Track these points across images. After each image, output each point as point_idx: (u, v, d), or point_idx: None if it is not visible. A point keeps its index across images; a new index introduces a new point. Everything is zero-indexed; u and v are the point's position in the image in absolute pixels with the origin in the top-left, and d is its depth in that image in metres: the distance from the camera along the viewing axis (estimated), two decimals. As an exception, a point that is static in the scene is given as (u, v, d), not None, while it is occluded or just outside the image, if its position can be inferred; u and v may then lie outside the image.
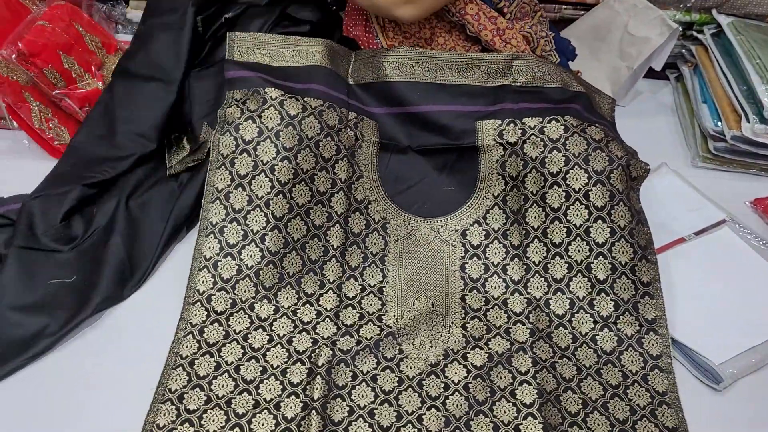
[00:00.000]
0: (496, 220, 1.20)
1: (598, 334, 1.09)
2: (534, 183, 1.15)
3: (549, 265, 1.14)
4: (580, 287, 1.12)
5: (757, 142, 1.34)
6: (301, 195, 1.14)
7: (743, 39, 1.42)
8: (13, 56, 1.25)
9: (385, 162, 1.23)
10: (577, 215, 1.12)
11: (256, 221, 1.12)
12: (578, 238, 1.12)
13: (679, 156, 1.46)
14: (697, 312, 1.13)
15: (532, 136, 1.16)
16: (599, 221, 1.11)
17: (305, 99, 1.16)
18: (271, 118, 1.13)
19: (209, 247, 1.12)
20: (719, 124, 1.40)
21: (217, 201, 1.13)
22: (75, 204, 1.18)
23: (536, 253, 1.15)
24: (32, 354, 1.02)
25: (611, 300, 1.10)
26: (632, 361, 1.06)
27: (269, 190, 1.12)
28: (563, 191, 1.13)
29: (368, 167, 1.21)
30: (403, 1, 1.15)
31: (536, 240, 1.15)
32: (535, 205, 1.16)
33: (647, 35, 1.43)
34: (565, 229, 1.13)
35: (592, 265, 1.11)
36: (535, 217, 1.16)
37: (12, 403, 0.98)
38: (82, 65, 1.36)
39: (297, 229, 1.14)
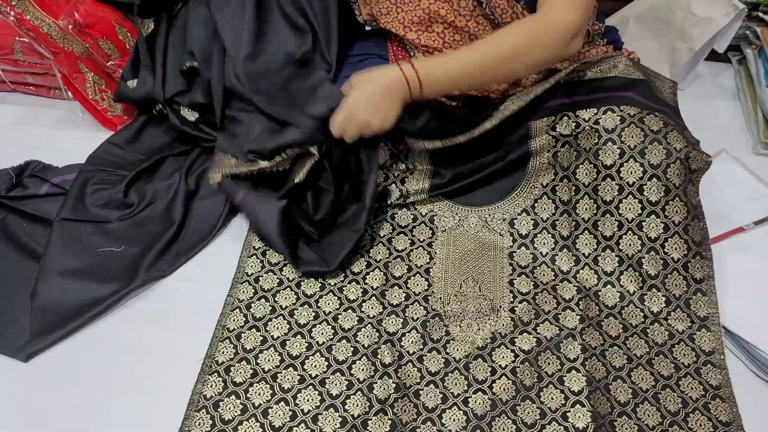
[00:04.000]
0: (544, 209, 1.17)
1: (648, 327, 1.06)
2: (586, 175, 1.12)
3: (599, 258, 1.11)
4: (630, 281, 1.09)
5: (824, 130, 1.28)
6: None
7: (814, 20, 1.36)
8: (70, 27, 1.27)
9: (437, 154, 1.19)
10: (630, 209, 1.08)
11: None
12: (630, 232, 1.08)
13: (740, 142, 1.41)
14: (755, 304, 1.09)
15: (587, 128, 1.11)
16: (652, 216, 1.07)
17: None
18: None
19: (258, 239, 1.16)
20: (784, 109, 1.34)
21: None
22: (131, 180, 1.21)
23: (586, 245, 1.13)
24: (86, 319, 1.05)
25: (662, 296, 1.07)
26: (684, 355, 1.03)
27: None
28: (616, 184, 1.09)
29: (421, 159, 1.20)
30: (571, 37, 1.02)
31: (586, 232, 1.13)
32: (586, 196, 1.13)
33: (711, 15, 1.37)
34: (617, 223, 1.10)
35: (643, 260, 1.08)
36: (586, 209, 1.13)
37: (65, 367, 1.00)
38: (136, 37, 1.36)
39: None
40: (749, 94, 1.47)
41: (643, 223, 1.07)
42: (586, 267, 1.12)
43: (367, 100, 1.01)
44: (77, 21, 1.27)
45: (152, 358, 1.02)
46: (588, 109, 1.12)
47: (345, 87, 1.07)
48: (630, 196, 1.08)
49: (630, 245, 1.08)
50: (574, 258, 1.13)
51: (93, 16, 1.30)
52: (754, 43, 1.51)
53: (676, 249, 1.06)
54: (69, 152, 1.30)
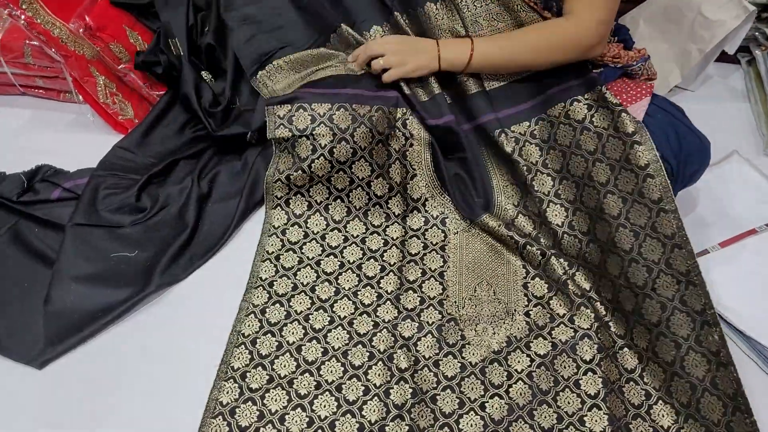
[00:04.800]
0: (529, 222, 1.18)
1: (642, 307, 1.02)
2: (542, 185, 1.15)
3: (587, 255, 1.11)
4: (614, 267, 1.06)
5: (836, 132, 1.28)
6: (359, 199, 1.21)
7: (824, 22, 1.36)
8: (81, 30, 1.27)
9: (439, 156, 1.21)
10: (613, 206, 1.07)
11: (316, 224, 1.20)
12: (620, 227, 1.07)
13: (751, 144, 1.41)
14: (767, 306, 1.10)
15: (526, 144, 1.16)
16: (621, 228, 1.06)
17: (354, 106, 1.17)
18: (323, 135, 1.16)
19: (272, 244, 1.17)
20: (795, 111, 1.34)
21: (278, 207, 1.21)
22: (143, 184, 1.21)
23: (582, 224, 1.12)
24: (100, 325, 1.05)
25: (643, 266, 1.03)
26: (680, 325, 0.98)
27: (327, 196, 1.21)
28: (573, 183, 1.12)
29: (421, 165, 1.21)
30: (597, 42, 1.13)
31: (565, 235, 1.13)
32: (551, 204, 1.14)
33: (722, 17, 1.37)
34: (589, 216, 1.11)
35: (615, 238, 1.05)
36: (556, 215, 1.14)
37: (80, 373, 1.00)
38: (146, 40, 1.37)
39: (356, 228, 1.20)
40: (759, 96, 1.47)
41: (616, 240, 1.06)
42: (580, 268, 1.11)
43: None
44: (88, 24, 1.27)
45: (167, 364, 1.01)
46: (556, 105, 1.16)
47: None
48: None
49: (614, 265, 1.06)
50: (578, 241, 1.12)
51: (104, 19, 1.30)
52: (763, 45, 1.51)
53: (653, 251, 1.03)
54: (80, 156, 1.29)
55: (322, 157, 1.16)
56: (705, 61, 1.45)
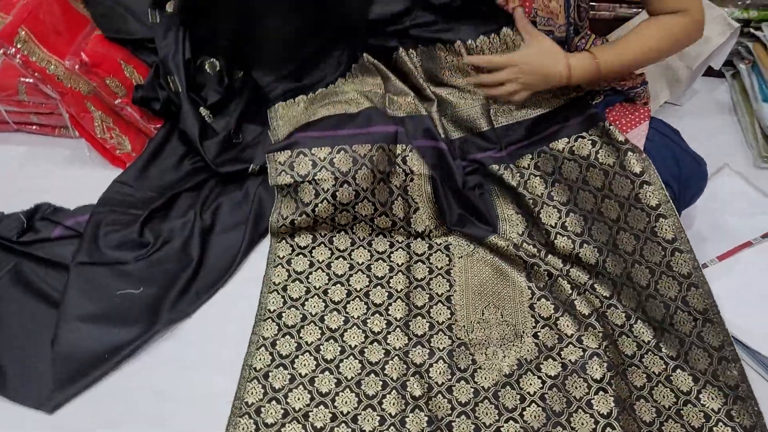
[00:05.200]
0: (550, 217, 1.20)
1: (661, 341, 1.07)
2: (548, 217, 1.18)
3: (601, 275, 1.14)
4: (630, 299, 1.11)
5: (824, 143, 1.32)
6: (362, 230, 1.23)
7: (806, 36, 1.39)
8: (77, 67, 1.26)
9: (439, 189, 1.23)
10: (602, 233, 1.14)
11: (321, 253, 1.21)
12: (610, 254, 1.13)
13: (741, 157, 1.44)
14: (766, 316, 1.12)
15: (531, 176, 1.20)
16: (622, 232, 1.12)
17: (353, 148, 1.18)
18: (325, 180, 1.17)
19: (278, 275, 1.18)
20: (782, 124, 1.37)
21: (283, 240, 1.22)
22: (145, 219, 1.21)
23: (590, 256, 1.15)
24: (110, 365, 1.04)
25: (660, 302, 1.07)
26: (698, 359, 1.04)
27: (331, 230, 1.24)
28: (581, 216, 1.17)
29: (422, 198, 1.22)
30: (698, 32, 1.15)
31: (585, 245, 1.15)
32: (558, 236, 1.17)
33: (708, 34, 1.40)
34: (597, 250, 1.15)
35: (631, 273, 1.10)
36: (564, 246, 1.16)
37: (91, 415, 0.99)
38: (142, 73, 1.36)
39: (360, 256, 1.21)
40: (745, 109, 1.51)
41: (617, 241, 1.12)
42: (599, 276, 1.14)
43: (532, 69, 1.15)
44: (84, 61, 1.26)
45: (180, 402, 1.01)
46: (560, 140, 1.19)
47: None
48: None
49: (615, 264, 1.12)
50: (585, 272, 1.15)
51: (99, 54, 1.29)
52: (747, 58, 1.55)
53: (654, 254, 1.08)
54: (79, 192, 1.28)
55: (325, 201, 1.17)
56: (693, 77, 1.48)
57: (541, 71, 1.14)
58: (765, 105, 1.43)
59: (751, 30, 1.53)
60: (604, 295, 1.12)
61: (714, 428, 0.98)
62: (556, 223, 1.17)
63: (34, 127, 1.43)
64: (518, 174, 1.20)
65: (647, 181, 1.08)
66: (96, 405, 1.00)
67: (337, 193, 1.17)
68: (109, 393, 1.02)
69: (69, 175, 1.35)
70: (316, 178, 1.17)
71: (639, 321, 1.09)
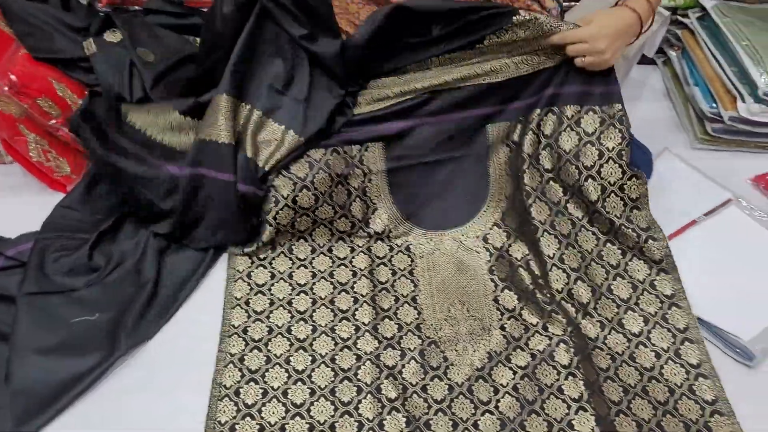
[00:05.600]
0: (513, 219, 1.21)
1: (623, 317, 1.10)
2: (531, 179, 1.19)
3: (564, 256, 1.16)
4: (596, 275, 1.14)
5: (755, 121, 1.37)
6: (321, 236, 1.22)
7: (729, 21, 1.45)
8: (6, 89, 1.20)
9: (397, 186, 1.23)
10: (577, 208, 1.16)
11: (281, 264, 1.19)
12: (583, 229, 1.15)
13: (678, 139, 1.49)
14: (719, 291, 1.16)
15: (530, 132, 1.19)
16: (596, 214, 1.15)
17: (308, 153, 1.17)
18: (283, 186, 1.15)
19: (239, 289, 1.15)
20: (714, 105, 1.43)
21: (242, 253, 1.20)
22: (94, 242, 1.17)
23: (548, 246, 1.17)
24: (71, 396, 0.99)
25: (628, 282, 1.12)
26: (662, 338, 1.08)
27: (290, 238, 1.22)
28: (560, 186, 1.17)
29: (381, 198, 1.22)
30: None
31: (546, 233, 1.17)
32: (537, 200, 1.18)
33: (640, 23, 1.45)
34: (570, 222, 1.17)
35: (602, 252, 1.14)
36: (540, 212, 1.18)
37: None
38: (75, 92, 1.31)
39: (322, 263, 1.19)
40: (678, 93, 1.57)
41: (593, 219, 1.15)
42: (554, 267, 1.15)
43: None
44: (13, 82, 1.20)
45: (150, 429, 0.97)
46: (535, 110, 1.19)
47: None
48: (574, 196, 1.15)
49: (586, 241, 1.15)
50: (542, 262, 1.17)
51: (29, 75, 1.23)
52: (676, 45, 1.61)
53: (627, 238, 1.14)
54: (17, 220, 1.22)
55: (286, 207, 1.15)
56: (628, 66, 1.52)
57: (612, 25, 1.12)
58: (696, 89, 1.49)
59: (679, 17, 1.59)
60: (558, 288, 1.14)
61: (678, 401, 1.01)
62: (535, 187, 1.19)
63: (-37, 155, 1.36)
64: (521, 127, 1.21)
65: (653, 237, 1.14)
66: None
67: (297, 198, 1.15)
68: (72, 426, 0.97)
69: (5, 203, 1.28)
70: (274, 184, 1.15)
71: (603, 297, 1.12)
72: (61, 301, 1.10)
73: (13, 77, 1.21)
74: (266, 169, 1.15)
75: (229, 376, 1.03)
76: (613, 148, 1.15)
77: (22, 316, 1.06)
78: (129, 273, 1.14)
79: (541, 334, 1.09)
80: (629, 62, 1.49)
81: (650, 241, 1.13)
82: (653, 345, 1.07)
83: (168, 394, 1.01)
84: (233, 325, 1.10)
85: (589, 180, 1.14)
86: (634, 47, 1.45)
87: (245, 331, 1.09)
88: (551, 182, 1.17)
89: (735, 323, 1.10)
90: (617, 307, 1.11)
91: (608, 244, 1.14)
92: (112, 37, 1.34)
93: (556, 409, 1.00)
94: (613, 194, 1.14)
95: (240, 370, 1.04)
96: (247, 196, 1.14)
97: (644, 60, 1.62)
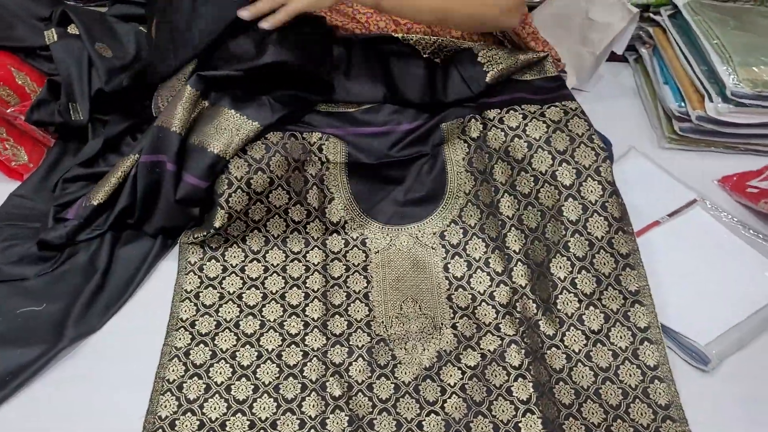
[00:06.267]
0: (471, 216, 1.20)
1: (584, 314, 1.08)
2: (502, 173, 1.16)
3: (529, 251, 1.14)
4: (560, 268, 1.11)
5: (722, 121, 1.36)
6: (276, 227, 1.18)
7: (700, 20, 1.44)
8: (-39, 76, 1.19)
9: (356, 179, 1.22)
10: (548, 197, 1.12)
11: (234, 256, 1.17)
12: (552, 219, 1.12)
13: (645, 138, 1.48)
14: (678, 293, 1.14)
15: (493, 128, 1.17)
16: (570, 199, 1.11)
17: (266, 136, 1.15)
18: (238, 168, 1.13)
19: (190, 282, 1.14)
20: (683, 104, 1.41)
21: (193, 243, 1.18)
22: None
23: (515, 241, 1.15)
24: (11, 389, 0.98)
25: (593, 276, 1.10)
26: (621, 337, 1.06)
27: (244, 228, 1.17)
28: (531, 176, 1.13)
29: (338, 188, 1.20)
30: (515, 6, 1.15)
31: (513, 228, 1.15)
32: (506, 194, 1.16)
33: (608, 20, 1.44)
34: (539, 213, 1.13)
35: (569, 243, 1.11)
36: (509, 206, 1.16)
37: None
38: (35, 80, 1.29)
39: (275, 257, 1.17)
40: (648, 92, 1.55)
41: (563, 208, 1.11)
42: (519, 263, 1.14)
43: None
44: (-32, 69, 1.19)
45: (90, 420, 0.96)
46: (493, 110, 1.19)
47: None
48: (546, 184, 1.12)
49: (555, 232, 1.12)
50: (506, 257, 1.15)
51: (-15, 62, 1.22)
52: (648, 42, 1.59)
53: (597, 227, 1.10)
54: (-29, 209, 1.21)
55: (239, 190, 1.13)
56: (597, 63, 1.51)
57: None
58: (666, 87, 1.48)
59: (651, 15, 1.58)
60: (521, 284, 1.13)
61: (631, 404, 1.00)
62: (505, 181, 1.16)
63: None
64: (481, 125, 1.19)
65: (631, 265, 1.10)
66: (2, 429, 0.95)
67: (251, 181, 1.12)
68: (12, 417, 0.96)
69: (-39, 192, 1.27)
70: (228, 166, 1.13)
71: (565, 292, 1.10)
72: (8, 292, 1.08)
73: (-32, 64, 1.20)
74: (225, 157, 1.12)
75: (173, 370, 1.02)
76: (582, 133, 1.14)
77: (-32, 306, 1.05)
78: (81, 264, 1.13)
79: (493, 334, 1.08)
80: (597, 59, 1.48)
81: (620, 232, 1.10)
82: (612, 344, 1.06)
83: (110, 387, 1.00)
84: (181, 319, 1.08)
85: (563, 164, 1.12)
86: (603, 44, 1.44)
87: (193, 324, 1.08)
88: (522, 173, 1.14)
89: (692, 327, 1.09)
90: (579, 303, 1.10)
91: (576, 235, 1.11)
92: (74, 30, 1.32)
93: (503, 411, 0.99)
94: (590, 178, 1.11)
95: (185, 364, 1.03)
96: (191, 188, 1.13)
97: (616, 57, 1.60)
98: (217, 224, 1.13)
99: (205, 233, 1.15)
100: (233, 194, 1.12)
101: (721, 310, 1.12)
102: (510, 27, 1.22)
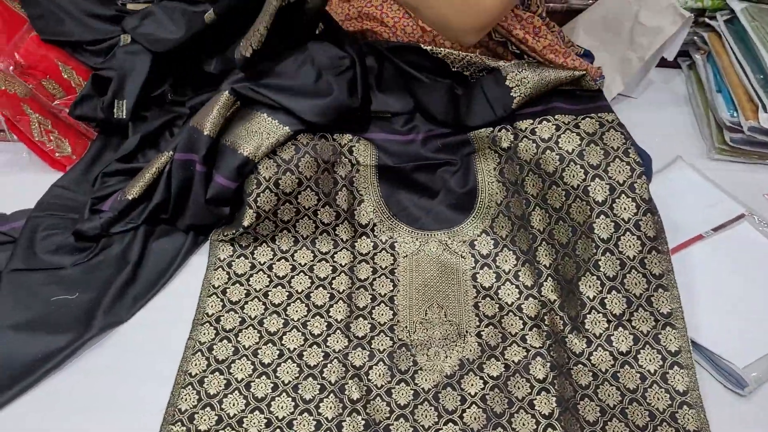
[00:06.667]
0: (502, 227, 1.17)
1: (612, 334, 1.05)
2: (533, 185, 1.13)
3: (559, 267, 1.11)
4: (589, 287, 1.07)
5: (776, 133, 1.30)
6: (305, 228, 1.19)
7: (758, 26, 1.37)
8: (11, 68, 1.23)
9: (386, 182, 1.21)
10: (580, 213, 1.08)
11: (263, 254, 1.17)
12: (583, 236, 1.08)
13: (695, 148, 1.42)
14: (717, 313, 1.09)
15: (525, 139, 1.13)
16: (602, 216, 1.07)
17: (297, 138, 1.15)
18: (267, 168, 1.13)
19: (218, 278, 1.14)
20: (735, 114, 1.35)
21: (223, 241, 1.19)
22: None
23: (546, 256, 1.12)
24: (39, 375, 1.00)
25: (623, 297, 1.05)
26: (650, 360, 1.02)
27: (273, 228, 1.17)
28: (562, 190, 1.09)
29: (368, 190, 1.20)
30: (474, 30, 1.10)
31: (544, 243, 1.12)
32: (537, 207, 1.13)
33: (659, 24, 1.38)
34: (570, 228, 1.09)
35: (599, 262, 1.06)
36: (540, 220, 1.13)
37: (15, 428, 0.96)
38: (81, 74, 1.33)
39: (303, 257, 1.17)
40: (701, 100, 1.49)
41: (594, 225, 1.07)
42: (549, 278, 1.11)
43: None
44: (18, 62, 1.23)
45: (112, 411, 0.98)
46: (525, 120, 1.15)
47: None
48: (577, 199, 1.08)
49: (585, 249, 1.08)
50: (537, 271, 1.12)
51: (35, 55, 1.26)
52: (702, 49, 1.53)
53: (630, 246, 1.06)
54: (18, 197, 1.25)
55: (267, 191, 1.13)
56: (645, 68, 1.46)
57: None
58: (719, 96, 1.42)
59: (706, 20, 1.51)
60: (551, 299, 1.10)
61: (658, 427, 0.96)
62: (536, 194, 1.13)
63: (-26, 130, 1.40)
64: (512, 135, 1.16)
65: (664, 286, 1.06)
66: (21, 416, 0.97)
67: (279, 182, 1.13)
68: (38, 402, 0.99)
69: (8, 180, 1.31)
70: (257, 166, 1.13)
71: (594, 312, 1.06)
72: (44, 279, 1.11)
73: (18, 58, 1.24)
74: (255, 160, 1.13)
75: (196, 365, 1.03)
76: (618, 147, 1.09)
77: (4, 292, 1.08)
78: (115, 257, 1.15)
79: (519, 345, 1.06)
80: (646, 64, 1.43)
81: (654, 252, 1.06)
82: (640, 366, 1.02)
83: (135, 379, 1.02)
84: (207, 314, 1.10)
85: (596, 179, 1.07)
86: (652, 49, 1.39)
87: (218, 320, 1.09)
88: (553, 186, 1.11)
89: (730, 348, 1.04)
90: (607, 323, 1.06)
91: (607, 254, 1.07)
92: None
93: (524, 425, 0.97)
94: (623, 195, 1.07)
95: (207, 359, 1.04)
96: (221, 187, 1.14)
97: (668, 63, 1.55)
98: (245, 223, 1.14)
99: (234, 231, 1.16)
100: (261, 194, 1.13)
101: (762, 332, 1.06)
102: (465, 44, 1.17)
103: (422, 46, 1.20)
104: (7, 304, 1.07)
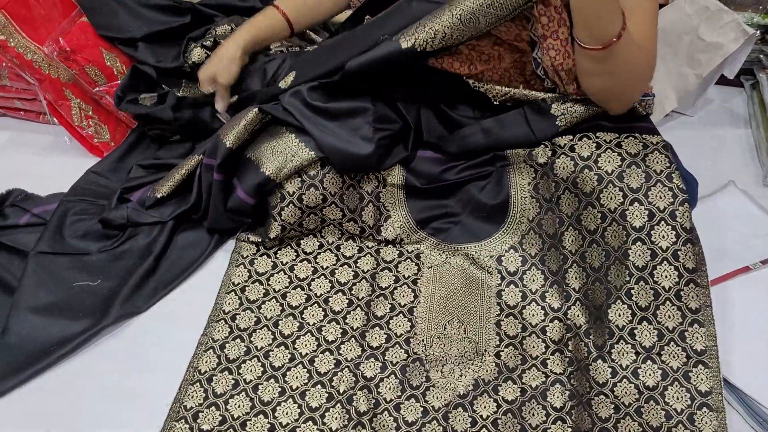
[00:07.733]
0: (532, 245, 1.12)
1: (640, 367, 0.98)
2: (568, 205, 1.07)
3: (589, 292, 1.05)
4: (620, 316, 1.01)
5: (839, 163, 1.21)
6: (331, 234, 1.19)
7: (829, 46, 1.28)
8: (55, 54, 1.25)
9: (413, 197, 1.18)
10: (615, 237, 1.02)
11: (286, 254, 1.17)
12: (617, 261, 1.02)
13: (750, 173, 1.34)
14: (756, 352, 1.02)
15: (563, 156, 1.07)
16: (638, 243, 1.00)
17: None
18: (291, 183, 1.12)
19: (239, 275, 1.14)
20: (797, 139, 1.27)
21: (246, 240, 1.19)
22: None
23: (576, 278, 1.07)
24: (54, 358, 1.01)
25: (654, 329, 0.99)
26: (677, 398, 0.96)
27: (299, 235, 1.19)
28: (598, 212, 1.03)
29: (395, 206, 1.17)
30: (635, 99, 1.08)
31: (575, 265, 1.07)
32: (571, 228, 1.07)
33: (720, 41, 1.31)
34: (604, 253, 1.03)
35: (632, 291, 1.00)
36: (572, 241, 1.07)
37: (25, 411, 0.97)
38: (124, 63, 1.34)
39: (326, 260, 1.16)
40: (762, 122, 1.40)
41: (629, 251, 1.01)
42: (577, 302, 1.06)
43: None
44: (63, 47, 1.25)
45: (119, 401, 0.98)
46: (564, 135, 1.09)
47: None
48: (614, 223, 1.02)
49: (618, 275, 1.01)
50: (565, 294, 1.07)
51: (79, 41, 1.27)
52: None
53: (666, 277, 1.00)
54: (55, 179, 1.27)
55: (291, 205, 1.12)
56: (703, 86, 1.38)
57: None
58: (781, 118, 1.33)
59: (773, 37, 1.43)
60: (578, 323, 1.04)
61: None
62: (571, 214, 1.08)
63: (18, 112, 1.43)
64: (550, 150, 1.11)
65: (699, 321, 0.98)
66: (31, 400, 0.98)
67: (303, 197, 1.12)
68: (49, 386, 1.00)
69: (47, 162, 1.34)
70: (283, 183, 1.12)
71: (623, 342, 1.00)
72: (69, 264, 1.13)
73: (63, 43, 1.25)
74: (276, 180, 1.11)
75: (206, 362, 1.02)
76: (661, 171, 1.02)
77: (29, 274, 1.09)
78: (139, 247, 1.16)
79: (539, 369, 1.01)
80: (704, 81, 1.35)
81: (691, 284, 0.99)
82: (666, 403, 0.96)
83: (145, 370, 1.02)
84: (224, 311, 1.09)
85: (635, 204, 1.02)
86: (710, 66, 1.31)
87: (234, 318, 1.08)
88: (589, 207, 1.05)
89: (767, 392, 0.97)
90: (636, 355, 1.00)
91: (641, 283, 1.00)
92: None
93: (535, 453, 0.92)
94: (663, 222, 1.01)
95: (218, 357, 1.03)
96: (240, 201, 1.14)
97: (730, 81, 1.46)
98: (272, 235, 1.14)
99: (260, 239, 1.16)
100: (285, 208, 1.12)
101: (803, 377, 0.99)
102: (613, 112, 1.09)
103: (464, 77, 1.16)
104: (30, 286, 1.08)
